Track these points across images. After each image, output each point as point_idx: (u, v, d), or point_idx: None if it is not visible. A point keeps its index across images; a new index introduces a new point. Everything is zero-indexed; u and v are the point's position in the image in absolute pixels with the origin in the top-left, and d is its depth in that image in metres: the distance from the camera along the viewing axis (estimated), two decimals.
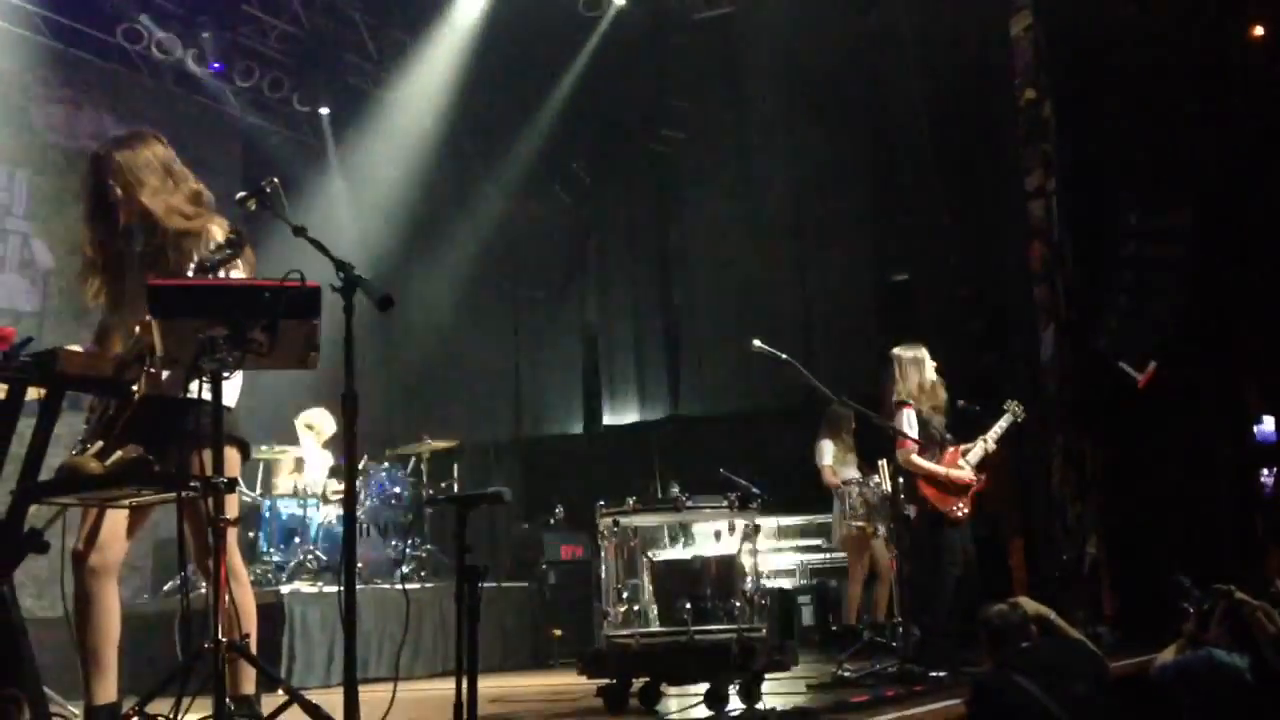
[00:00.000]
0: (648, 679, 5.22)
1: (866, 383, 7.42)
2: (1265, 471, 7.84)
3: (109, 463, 3.57)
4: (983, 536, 8.04)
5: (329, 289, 3.57)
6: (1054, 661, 4.17)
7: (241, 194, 4.00)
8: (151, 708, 3.54)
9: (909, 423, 6.73)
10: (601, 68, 11.02)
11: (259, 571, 8.28)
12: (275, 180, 3.96)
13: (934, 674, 5.83)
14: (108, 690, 3.97)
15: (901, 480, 6.60)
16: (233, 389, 3.96)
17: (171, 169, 4.25)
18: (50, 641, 4.60)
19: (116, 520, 4.02)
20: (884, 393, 7.03)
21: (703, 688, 4.95)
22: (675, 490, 6.21)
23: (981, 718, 4.19)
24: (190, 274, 3.79)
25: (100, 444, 3.69)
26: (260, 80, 10.71)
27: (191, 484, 3.58)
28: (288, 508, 8.64)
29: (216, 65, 10.41)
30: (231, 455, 3.91)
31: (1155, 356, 8.37)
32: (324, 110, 11.37)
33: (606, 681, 5.17)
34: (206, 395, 3.61)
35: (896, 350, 6.93)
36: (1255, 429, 8.67)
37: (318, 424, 9.22)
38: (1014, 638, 4.31)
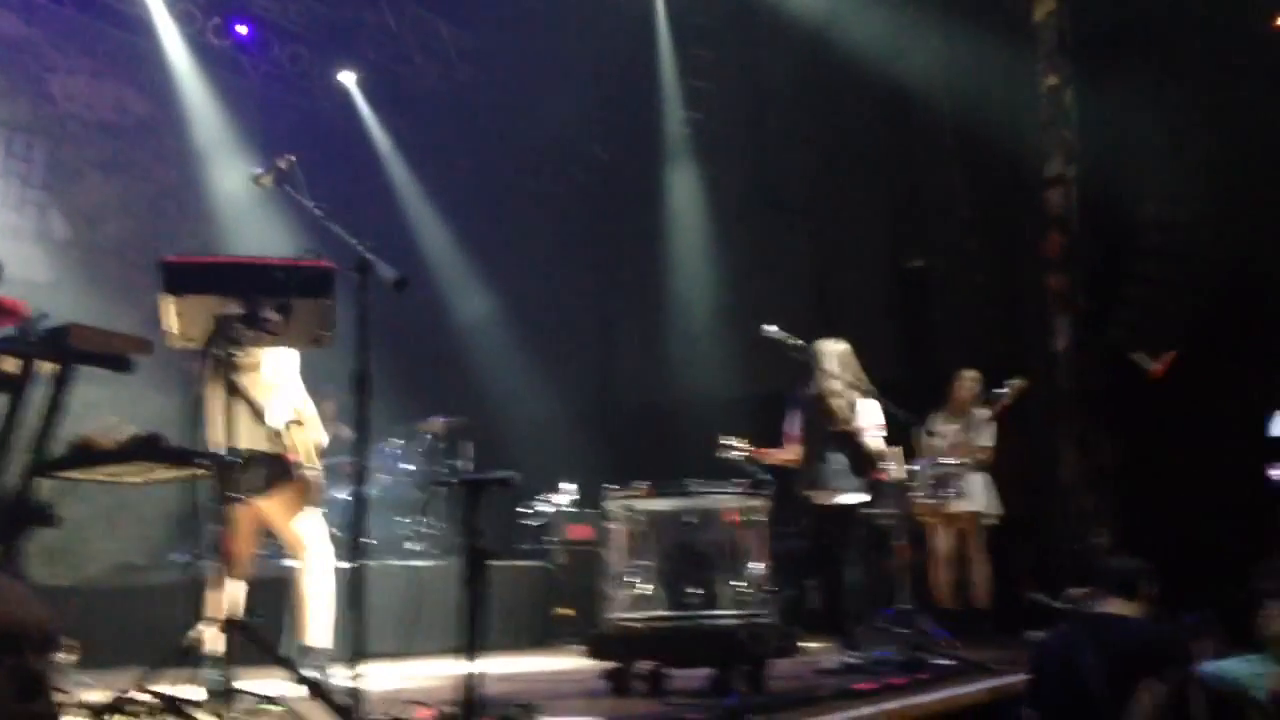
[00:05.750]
0: (654, 662, 5.23)
1: (882, 369, 7.36)
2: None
3: (121, 439, 3.59)
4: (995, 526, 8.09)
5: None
6: (1133, 641, 3.94)
7: (256, 171, 4.01)
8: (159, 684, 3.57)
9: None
10: (621, 48, 10.97)
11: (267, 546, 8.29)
12: (292, 157, 3.96)
13: (939, 662, 5.83)
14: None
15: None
16: None
17: None
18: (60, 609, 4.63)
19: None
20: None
21: (709, 671, 4.96)
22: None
23: (1040, 669, 4.17)
24: None
25: (114, 419, 3.71)
26: (280, 53, 10.71)
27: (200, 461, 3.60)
28: None
29: (237, 38, 10.42)
30: None
31: (1171, 348, 8.32)
32: (343, 83, 11.36)
33: (613, 664, 5.19)
34: None
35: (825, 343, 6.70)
36: (1268, 423, 8.62)
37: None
38: (1121, 583, 4.15)
